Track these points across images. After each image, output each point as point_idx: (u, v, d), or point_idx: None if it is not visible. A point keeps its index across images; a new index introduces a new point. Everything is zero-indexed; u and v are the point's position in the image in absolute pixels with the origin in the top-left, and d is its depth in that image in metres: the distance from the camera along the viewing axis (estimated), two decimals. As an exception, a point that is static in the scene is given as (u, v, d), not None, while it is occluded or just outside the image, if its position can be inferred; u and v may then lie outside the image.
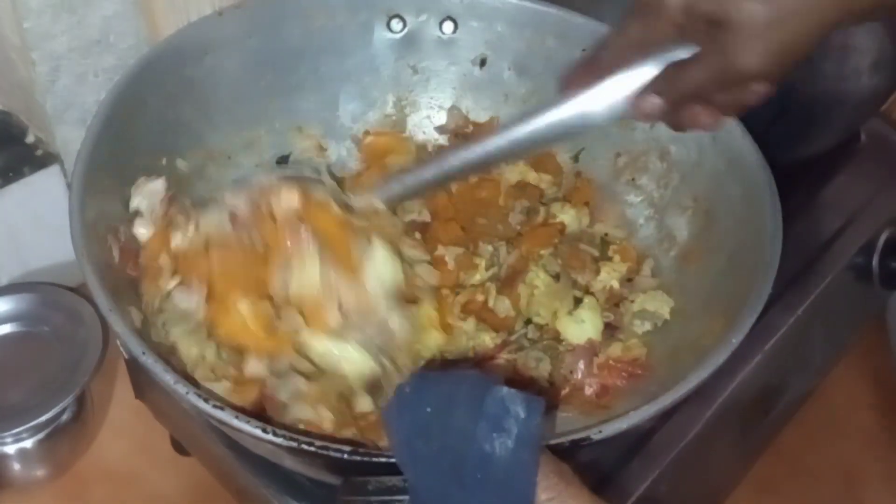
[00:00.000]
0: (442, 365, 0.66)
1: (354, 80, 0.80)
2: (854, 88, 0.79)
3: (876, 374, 0.98)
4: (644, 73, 0.53)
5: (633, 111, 0.54)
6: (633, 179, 0.77)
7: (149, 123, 0.69)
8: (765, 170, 0.67)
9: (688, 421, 0.68)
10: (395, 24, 0.79)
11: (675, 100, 0.53)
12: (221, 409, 0.53)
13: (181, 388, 0.53)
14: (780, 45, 0.48)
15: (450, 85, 0.82)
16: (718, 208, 0.70)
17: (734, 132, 0.69)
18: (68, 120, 0.84)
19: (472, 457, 0.49)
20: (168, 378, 0.54)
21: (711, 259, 0.69)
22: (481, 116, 0.82)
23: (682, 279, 0.71)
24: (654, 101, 0.53)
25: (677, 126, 0.55)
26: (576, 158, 0.80)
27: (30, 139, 0.87)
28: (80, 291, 0.84)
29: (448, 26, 0.79)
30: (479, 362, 0.68)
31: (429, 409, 0.51)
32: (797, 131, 0.80)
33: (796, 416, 0.91)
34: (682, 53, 0.52)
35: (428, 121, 0.83)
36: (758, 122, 0.69)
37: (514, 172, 0.78)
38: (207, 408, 0.53)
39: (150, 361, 0.54)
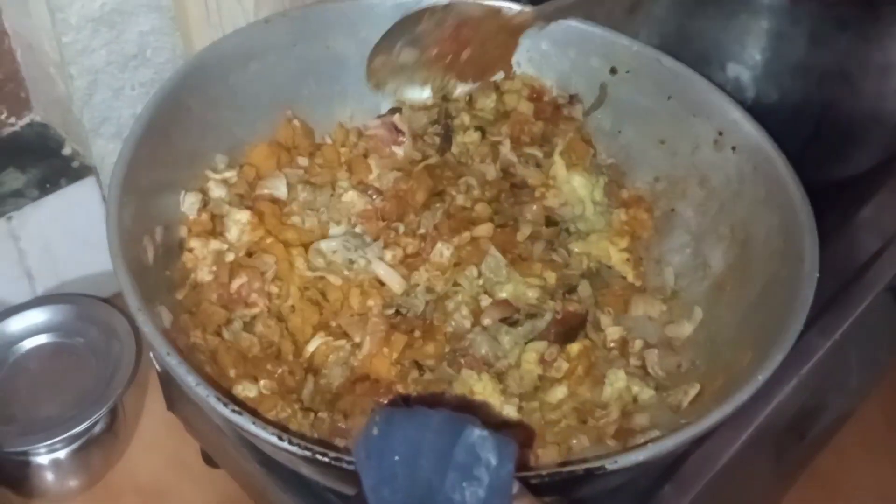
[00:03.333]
0: (415, 400, 0.64)
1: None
2: (894, 108, 0.78)
3: (914, 396, 0.96)
4: None
5: None
6: (672, 210, 0.76)
7: (189, 127, 0.70)
8: (804, 203, 0.65)
9: (722, 445, 0.67)
10: (441, 38, 0.79)
11: None
12: (240, 413, 0.53)
13: (202, 391, 0.53)
14: None
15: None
16: (755, 239, 0.69)
17: (776, 162, 0.68)
18: (104, 133, 0.85)
19: None
20: (190, 380, 0.54)
21: (744, 290, 0.67)
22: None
23: (713, 309, 0.69)
24: None
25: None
26: (614, 182, 0.79)
27: (66, 151, 0.88)
28: (114, 302, 0.85)
29: (493, 43, 0.79)
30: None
31: (396, 458, 0.49)
32: (835, 151, 0.79)
33: (833, 440, 0.89)
34: None
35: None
36: (794, 142, 0.68)
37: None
38: (226, 412, 0.52)
39: (174, 363, 0.54)
